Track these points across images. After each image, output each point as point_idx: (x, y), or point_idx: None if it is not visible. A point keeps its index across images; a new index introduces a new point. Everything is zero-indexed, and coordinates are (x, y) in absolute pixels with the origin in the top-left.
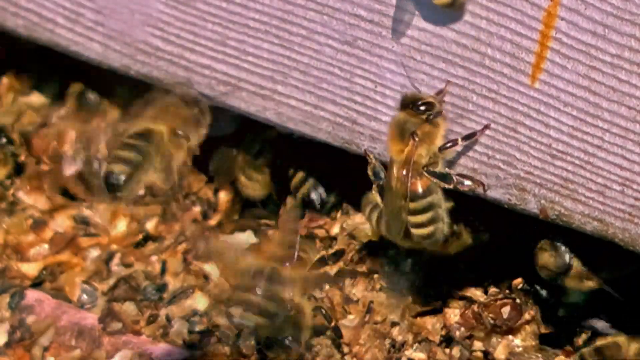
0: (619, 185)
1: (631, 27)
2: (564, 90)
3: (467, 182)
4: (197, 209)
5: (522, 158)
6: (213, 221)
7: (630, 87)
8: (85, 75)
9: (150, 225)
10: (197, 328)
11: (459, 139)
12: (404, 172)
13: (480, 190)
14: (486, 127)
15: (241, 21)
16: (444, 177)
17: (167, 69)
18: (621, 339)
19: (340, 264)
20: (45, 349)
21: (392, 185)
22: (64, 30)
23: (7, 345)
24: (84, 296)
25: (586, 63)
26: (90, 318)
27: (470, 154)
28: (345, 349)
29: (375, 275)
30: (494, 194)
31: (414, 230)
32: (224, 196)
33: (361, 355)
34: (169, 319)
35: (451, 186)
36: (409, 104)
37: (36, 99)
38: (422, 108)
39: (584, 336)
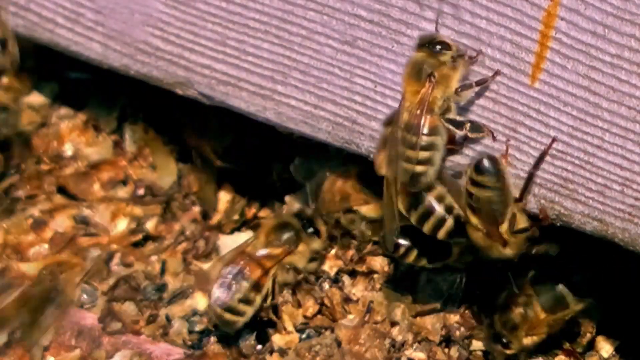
0: (619, 185)
1: (631, 27)
2: (564, 90)
3: (478, 130)
4: (196, 209)
5: (522, 158)
6: (213, 221)
7: (630, 87)
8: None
9: (150, 225)
10: (197, 328)
11: (473, 83)
12: (417, 111)
13: (489, 138)
14: (496, 73)
15: (241, 21)
16: (457, 124)
17: (167, 69)
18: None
19: (340, 263)
20: (45, 349)
21: (400, 119)
22: (64, 30)
23: (7, 345)
24: (84, 296)
25: (586, 63)
26: (90, 318)
27: (471, 153)
28: (345, 349)
29: (375, 275)
30: None
31: (405, 165)
32: (224, 196)
33: (361, 355)
34: (168, 319)
35: (462, 132)
36: (426, 43)
37: (36, 98)
38: (438, 48)
39: (584, 336)
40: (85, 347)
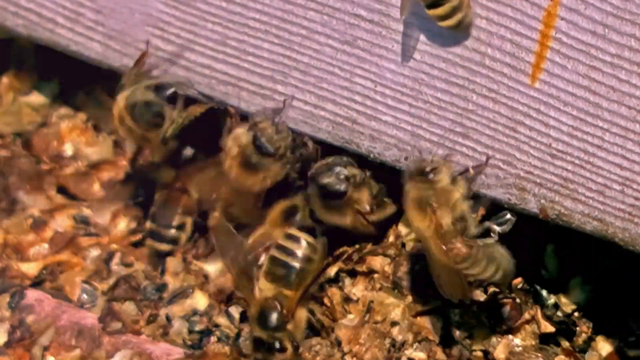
0: (619, 185)
1: (631, 26)
2: (564, 90)
3: (504, 223)
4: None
5: (522, 158)
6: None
7: (630, 86)
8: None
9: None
10: (197, 328)
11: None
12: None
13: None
14: (488, 159)
15: (241, 21)
16: (483, 234)
17: (168, 69)
18: None
19: (340, 263)
20: (45, 349)
21: (437, 258)
22: (64, 30)
23: (7, 344)
24: (84, 296)
25: (586, 63)
26: (90, 318)
27: (470, 153)
28: (345, 349)
29: (375, 275)
30: (494, 193)
31: None
32: None
33: (361, 355)
34: (168, 319)
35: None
36: (416, 174)
37: (36, 98)
38: (432, 177)
39: (584, 336)
40: (85, 347)
